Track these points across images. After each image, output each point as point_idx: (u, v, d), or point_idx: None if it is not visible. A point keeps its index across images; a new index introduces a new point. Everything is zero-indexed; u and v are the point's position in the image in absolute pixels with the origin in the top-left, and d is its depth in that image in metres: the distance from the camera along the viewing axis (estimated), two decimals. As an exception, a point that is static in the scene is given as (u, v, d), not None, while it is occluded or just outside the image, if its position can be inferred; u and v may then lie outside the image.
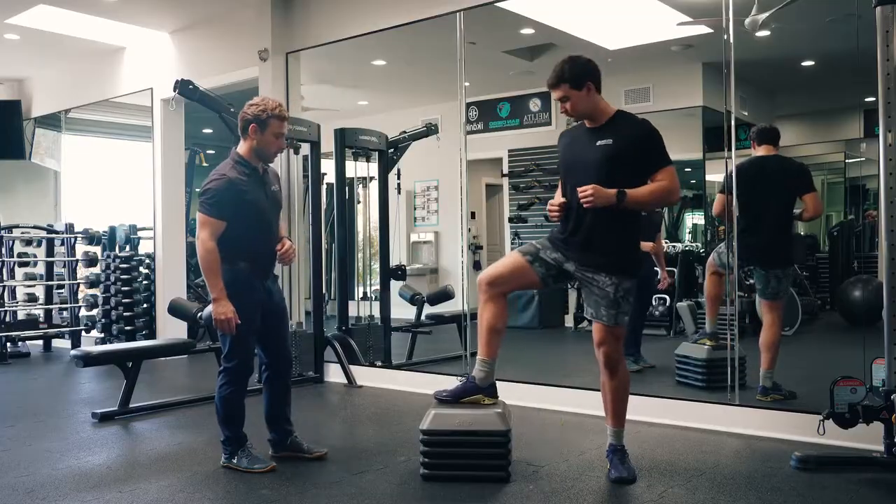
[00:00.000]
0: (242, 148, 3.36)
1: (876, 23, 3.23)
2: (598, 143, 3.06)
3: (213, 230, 3.22)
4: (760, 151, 4.47)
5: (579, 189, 3.00)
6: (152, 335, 7.06)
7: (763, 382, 4.25)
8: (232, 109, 5.46)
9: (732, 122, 4.28)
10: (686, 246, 7.56)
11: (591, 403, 4.38)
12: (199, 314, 4.99)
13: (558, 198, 3.20)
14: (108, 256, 7.17)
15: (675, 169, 3.00)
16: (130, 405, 4.59)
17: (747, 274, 4.69)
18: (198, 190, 3.28)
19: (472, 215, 8.52)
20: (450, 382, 3.29)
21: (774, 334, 4.31)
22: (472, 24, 5.13)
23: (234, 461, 3.37)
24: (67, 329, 7.69)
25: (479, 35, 5.20)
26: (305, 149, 5.84)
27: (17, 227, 7.72)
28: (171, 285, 7.08)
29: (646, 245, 5.28)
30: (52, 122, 8.69)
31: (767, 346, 4.31)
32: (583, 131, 3.18)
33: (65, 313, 7.90)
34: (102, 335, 7.19)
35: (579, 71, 3.05)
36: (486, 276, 3.19)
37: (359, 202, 7.14)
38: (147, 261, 7.29)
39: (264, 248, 3.40)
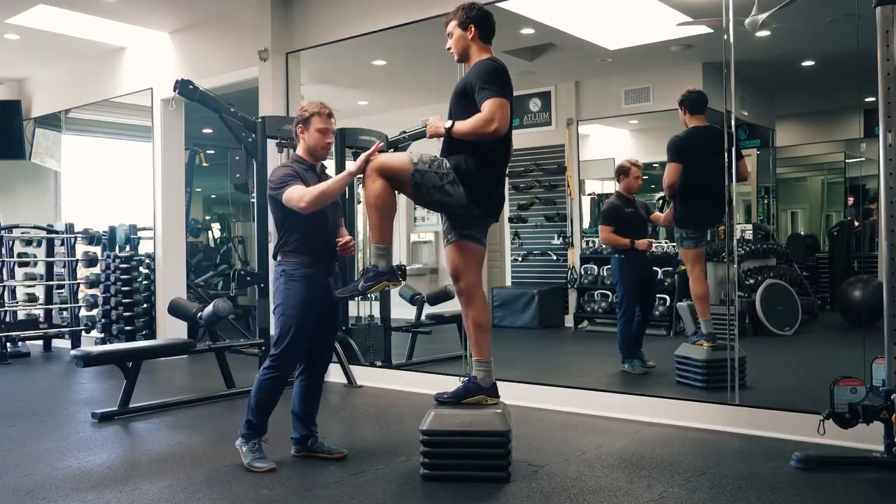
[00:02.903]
0: (299, 149, 3.59)
1: (876, 23, 3.23)
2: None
3: (301, 189, 3.27)
4: (695, 122, 4.71)
5: None
6: (152, 335, 7.06)
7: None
8: (232, 109, 5.46)
9: (733, 122, 4.28)
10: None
11: (591, 403, 4.40)
12: (199, 314, 4.99)
13: None
14: (108, 256, 7.17)
15: (502, 102, 3.06)
16: (130, 405, 4.59)
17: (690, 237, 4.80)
18: (270, 184, 3.40)
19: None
20: (450, 382, 3.28)
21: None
22: (473, 24, 5.12)
23: (245, 449, 3.41)
24: (67, 329, 7.69)
25: (480, 35, 5.20)
26: (305, 149, 5.83)
27: (17, 227, 7.71)
28: (171, 285, 7.08)
29: (641, 243, 5.26)
30: (52, 122, 8.69)
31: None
32: None
33: (65, 313, 7.90)
34: (102, 335, 7.18)
35: (471, 15, 3.25)
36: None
37: (359, 202, 7.13)
38: (147, 261, 7.29)
39: (325, 243, 3.50)
